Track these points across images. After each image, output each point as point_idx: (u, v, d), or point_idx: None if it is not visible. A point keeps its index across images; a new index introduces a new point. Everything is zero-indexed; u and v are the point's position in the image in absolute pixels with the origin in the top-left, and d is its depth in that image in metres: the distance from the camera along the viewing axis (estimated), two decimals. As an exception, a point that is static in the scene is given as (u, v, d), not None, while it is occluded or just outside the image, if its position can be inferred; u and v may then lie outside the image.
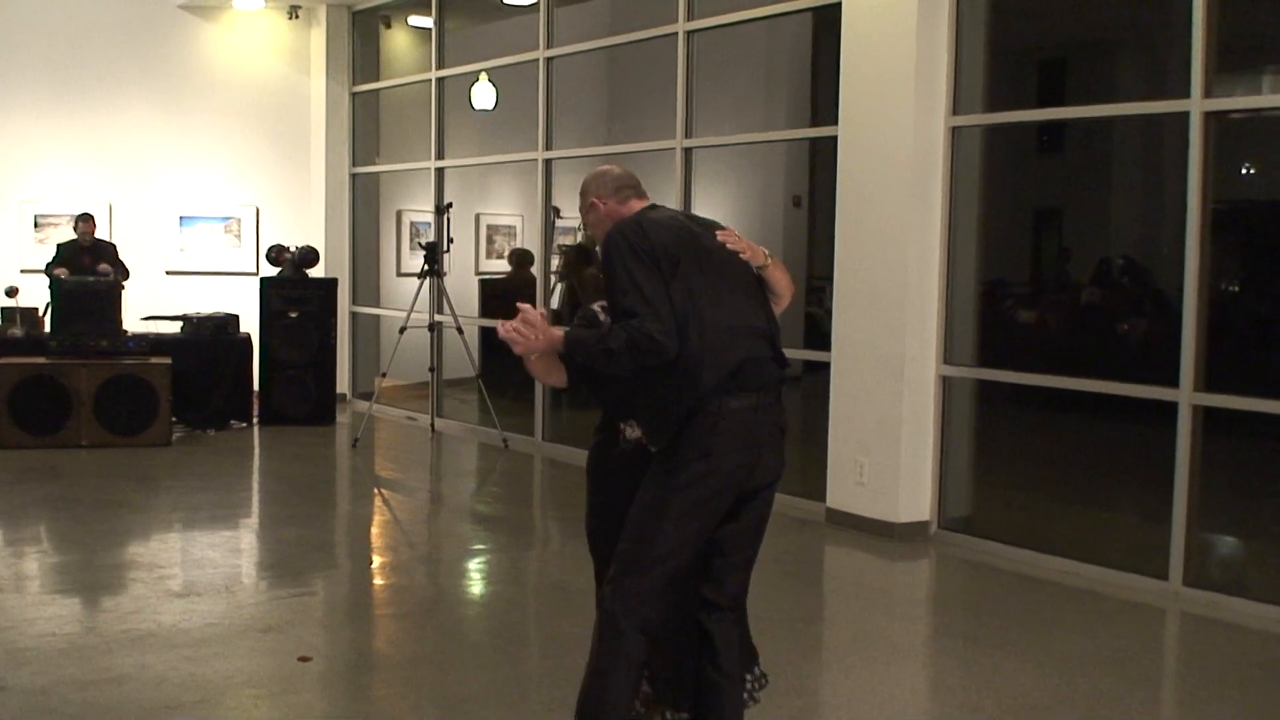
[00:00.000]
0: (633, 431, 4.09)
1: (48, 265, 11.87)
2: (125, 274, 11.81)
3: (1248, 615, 6.59)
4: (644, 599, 3.91)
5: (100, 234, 12.90)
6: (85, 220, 12.03)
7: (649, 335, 3.72)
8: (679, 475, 3.88)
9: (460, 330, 11.62)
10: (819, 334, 9.32)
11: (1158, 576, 7.02)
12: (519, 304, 3.91)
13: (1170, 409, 6.94)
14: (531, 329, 3.82)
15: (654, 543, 3.90)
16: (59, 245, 12.09)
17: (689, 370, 3.83)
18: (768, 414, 3.97)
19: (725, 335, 3.88)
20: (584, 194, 4.26)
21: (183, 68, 13.86)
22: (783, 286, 4.17)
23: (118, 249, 12.35)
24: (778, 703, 5.15)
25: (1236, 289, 8.39)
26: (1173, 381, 6.93)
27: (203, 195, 13.98)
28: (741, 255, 4.04)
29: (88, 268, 11.75)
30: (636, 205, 4.16)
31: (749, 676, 4.30)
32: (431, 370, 12.42)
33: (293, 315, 12.44)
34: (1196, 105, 6.83)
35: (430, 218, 13.09)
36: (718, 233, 4.07)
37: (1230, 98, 7.02)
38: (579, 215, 4.31)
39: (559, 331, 3.88)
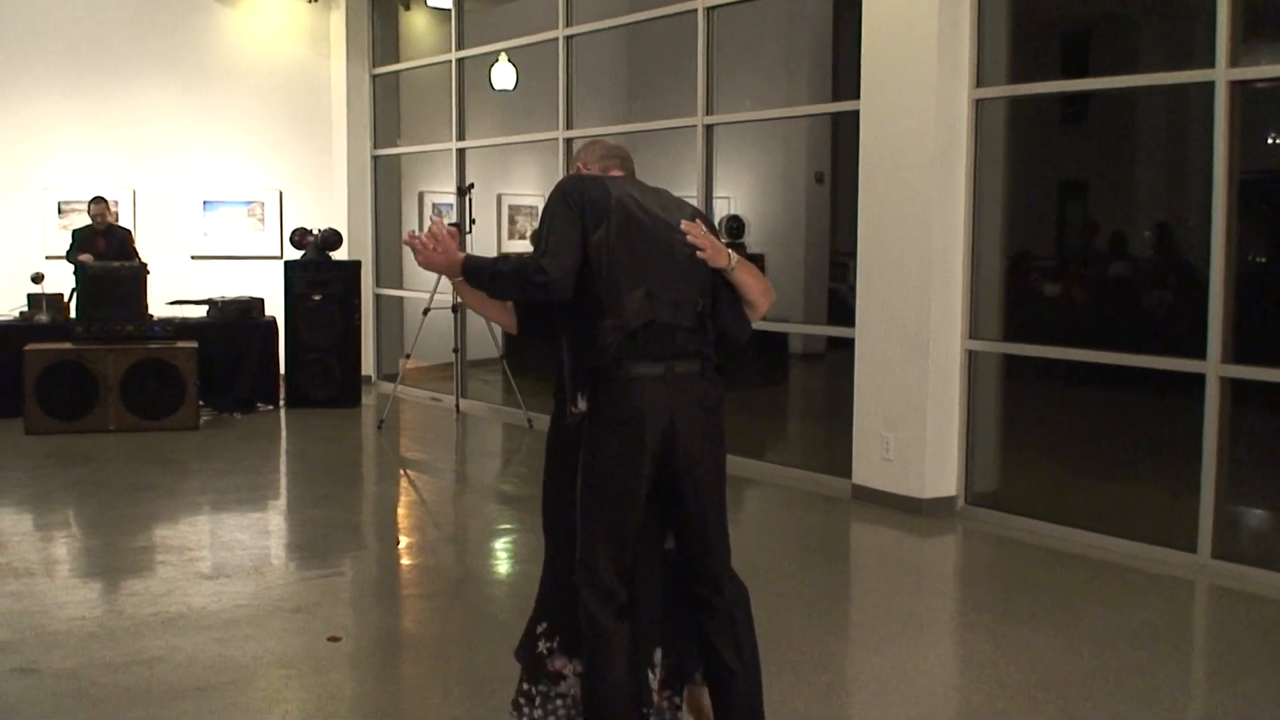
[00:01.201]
0: (576, 407, 4.02)
1: (67, 253, 11.92)
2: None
3: (1278, 588, 6.56)
4: (608, 585, 3.89)
5: (125, 219, 12.96)
6: (97, 203, 12.05)
7: (537, 266, 3.77)
8: (597, 451, 3.88)
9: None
10: (843, 310, 9.29)
11: (1186, 549, 6.99)
12: (433, 218, 3.99)
13: (1198, 381, 6.91)
14: (435, 241, 3.98)
15: (595, 529, 3.90)
16: (74, 232, 12.14)
17: (591, 319, 3.85)
18: (683, 386, 3.89)
19: (639, 295, 3.85)
20: (574, 160, 4.34)
21: (204, 52, 13.89)
22: (755, 293, 4.08)
23: (132, 234, 12.39)
24: (806, 679, 5.16)
25: (1263, 259, 8.32)
26: (1200, 353, 6.90)
27: (226, 179, 14.03)
28: (699, 253, 3.95)
29: (102, 252, 11.78)
30: (615, 175, 4.17)
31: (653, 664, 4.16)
32: (455, 351, 12.44)
33: (317, 298, 12.47)
34: (1222, 75, 6.78)
35: (452, 199, 13.09)
36: (683, 223, 4.00)
37: (1256, 67, 6.94)
38: None
39: (461, 254, 3.99)
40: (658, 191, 4.14)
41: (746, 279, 4.06)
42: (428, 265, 4.04)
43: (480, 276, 3.96)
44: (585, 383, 3.91)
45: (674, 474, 3.92)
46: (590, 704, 3.95)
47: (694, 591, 4.05)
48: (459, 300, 11.98)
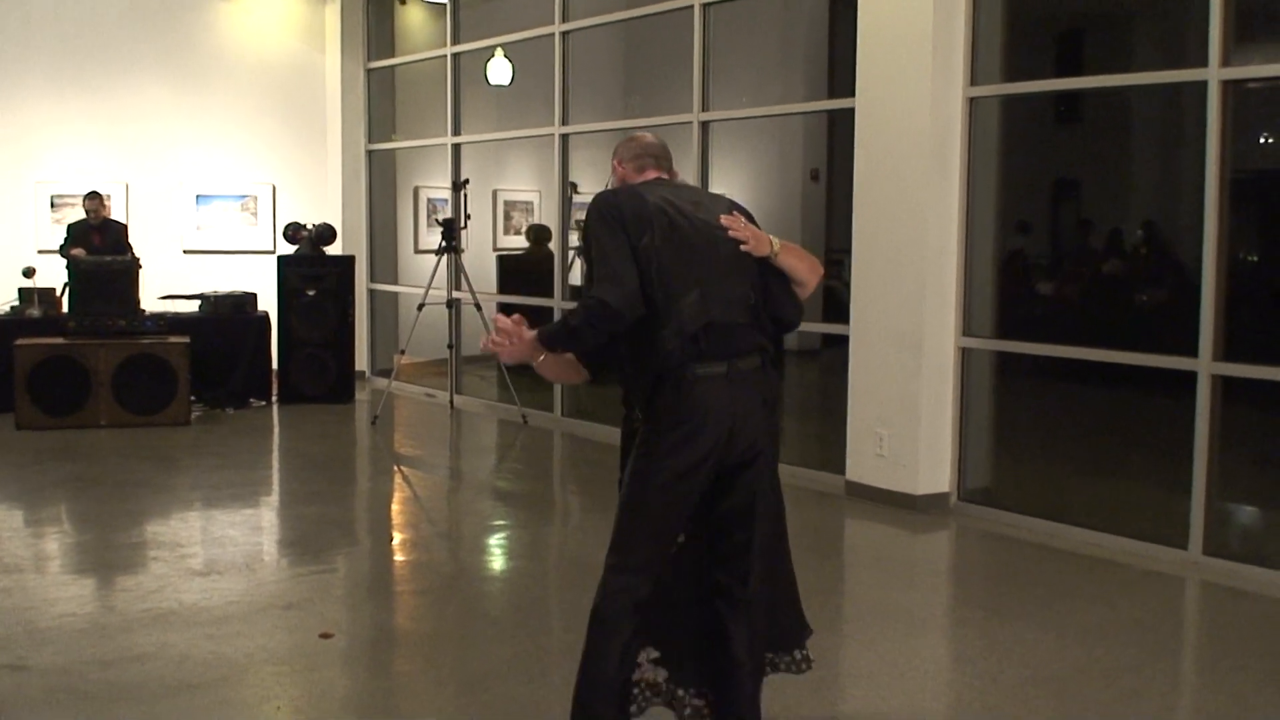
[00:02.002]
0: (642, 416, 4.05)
1: (61, 247, 11.89)
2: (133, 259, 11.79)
3: (1268, 584, 6.57)
4: (632, 577, 3.91)
5: (117, 213, 12.94)
6: (92, 198, 12.02)
7: (602, 303, 3.76)
8: (654, 449, 3.88)
9: (479, 307, 11.62)
10: (838, 307, 9.30)
11: (1177, 546, 7.01)
12: (495, 316, 3.98)
13: (1189, 379, 6.91)
14: (506, 335, 3.95)
15: (637, 521, 3.92)
16: (69, 226, 12.13)
17: (650, 329, 3.84)
18: (745, 384, 3.91)
19: (692, 298, 3.85)
20: (612, 156, 4.32)
21: (198, 46, 13.86)
22: (802, 272, 4.10)
23: (127, 230, 12.36)
24: (798, 675, 5.15)
25: (1255, 258, 8.35)
26: (1192, 351, 6.90)
27: (219, 173, 14.00)
28: (743, 246, 3.97)
29: (96, 247, 11.76)
30: (650, 176, 4.16)
31: (797, 654, 4.36)
32: (450, 347, 12.44)
33: (310, 293, 12.45)
34: (1214, 74, 6.79)
35: (447, 194, 13.10)
36: (723, 217, 4.02)
37: (1248, 66, 6.96)
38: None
39: (531, 332, 3.94)
40: (692, 189, 4.16)
41: (791, 261, 4.09)
42: (513, 358, 4.02)
43: (560, 340, 3.92)
44: (650, 390, 3.90)
45: (734, 468, 3.94)
46: (577, 692, 3.98)
47: (718, 580, 4.06)
48: (453, 296, 12.02)
